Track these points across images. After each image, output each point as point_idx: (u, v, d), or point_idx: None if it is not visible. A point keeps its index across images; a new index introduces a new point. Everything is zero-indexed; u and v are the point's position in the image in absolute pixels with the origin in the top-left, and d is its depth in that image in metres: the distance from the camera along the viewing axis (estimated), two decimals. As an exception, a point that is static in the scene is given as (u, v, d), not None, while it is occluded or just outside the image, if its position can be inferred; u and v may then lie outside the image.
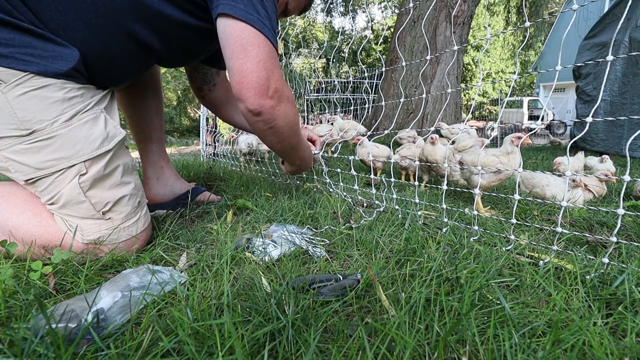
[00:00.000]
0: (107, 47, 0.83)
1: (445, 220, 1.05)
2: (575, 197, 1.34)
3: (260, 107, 0.89)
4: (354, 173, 1.35)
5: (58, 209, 0.80)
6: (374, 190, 1.33)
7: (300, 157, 1.23)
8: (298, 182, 1.68)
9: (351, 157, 1.39)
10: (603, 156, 1.93)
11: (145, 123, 1.31)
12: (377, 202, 1.30)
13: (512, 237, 0.88)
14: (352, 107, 6.13)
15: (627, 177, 0.70)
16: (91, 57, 0.81)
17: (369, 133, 1.55)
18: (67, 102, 0.76)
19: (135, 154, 1.59)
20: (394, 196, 1.24)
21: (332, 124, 2.68)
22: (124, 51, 0.86)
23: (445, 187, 1.03)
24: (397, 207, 1.19)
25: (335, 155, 1.64)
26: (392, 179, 1.26)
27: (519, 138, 1.27)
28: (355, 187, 1.37)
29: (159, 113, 1.34)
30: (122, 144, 0.87)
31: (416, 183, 1.18)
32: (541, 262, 0.79)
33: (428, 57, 1.13)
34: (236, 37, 0.83)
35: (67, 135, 0.76)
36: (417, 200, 1.14)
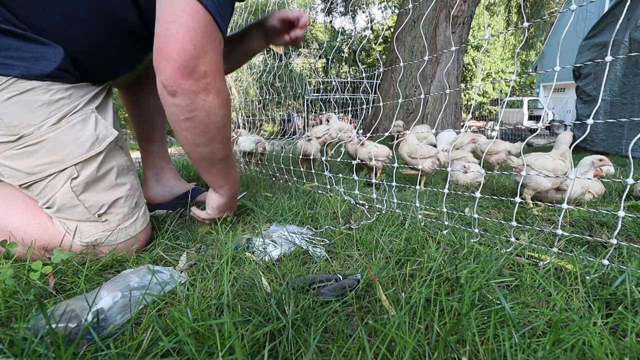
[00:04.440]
0: (95, 39, 0.79)
1: (446, 223, 1.05)
2: (587, 186, 1.31)
3: (176, 86, 0.73)
4: (356, 178, 1.35)
5: (54, 212, 0.79)
6: (374, 193, 1.33)
7: (230, 179, 0.97)
8: (297, 180, 1.68)
9: (354, 162, 1.39)
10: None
11: (146, 122, 1.30)
12: (378, 205, 1.30)
13: (513, 239, 0.88)
14: (351, 108, 6.14)
15: (630, 180, 0.69)
16: (80, 52, 0.78)
17: (368, 135, 1.55)
18: (54, 104, 0.74)
19: (136, 154, 1.59)
20: (395, 200, 1.24)
21: (327, 121, 2.66)
22: (113, 42, 0.83)
23: (446, 190, 1.03)
24: (398, 210, 1.19)
25: (339, 160, 1.64)
26: (394, 183, 1.26)
27: (601, 160, 1.27)
28: (356, 191, 1.37)
29: (161, 113, 1.33)
30: (116, 144, 0.84)
31: (418, 187, 1.18)
32: (540, 262, 0.79)
33: (426, 57, 1.13)
34: None
35: (55, 139, 0.74)
36: (417, 204, 1.14)
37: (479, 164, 1.80)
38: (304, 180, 1.72)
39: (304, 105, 7.76)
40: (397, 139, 2.12)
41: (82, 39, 0.78)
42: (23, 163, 0.74)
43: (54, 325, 0.50)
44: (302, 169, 1.80)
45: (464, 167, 1.75)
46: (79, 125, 0.77)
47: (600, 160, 1.26)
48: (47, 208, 0.79)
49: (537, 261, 0.81)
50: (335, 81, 7.26)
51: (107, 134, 0.82)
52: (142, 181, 1.28)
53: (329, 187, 1.51)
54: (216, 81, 0.78)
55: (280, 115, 8.03)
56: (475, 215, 0.98)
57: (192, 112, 0.77)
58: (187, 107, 0.77)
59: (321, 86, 8.30)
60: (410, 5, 1.16)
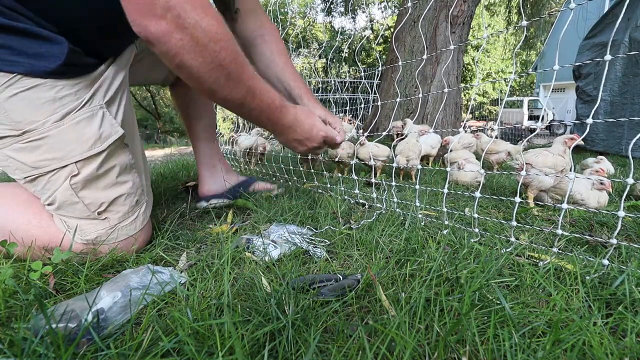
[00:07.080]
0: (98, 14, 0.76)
1: (446, 223, 1.05)
2: (601, 199, 1.30)
3: (145, 32, 0.64)
4: (356, 178, 1.35)
5: (55, 209, 0.80)
6: (374, 192, 1.32)
7: (274, 120, 0.88)
8: (297, 180, 1.67)
9: (353, 162, 1.39)
10: (598, 157, 1.92)
11: (195, 124, 1.34)
12: (378, 205, 1.30)
13: (513, 239, 0.88)
14: (350, 108, 6.13)
15: (630, 180, 0.69)
16: (78, 18, 0.74)
17: (366, 134, 1.55)
18: (59, 101, 0.74)
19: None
20: (395, 200, 1.24)
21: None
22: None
23: (446, 190, 1.03)
24: (398, 210, 1.19)
25: (337, 159, 1.64)
26: (394, 183, 1.26)
27: (572, 140, 1.28)
28: (356, 191, 1.37)
29: (208, 113, 1.36)
30: (120, 143, 0.83)
31: (417, 187, 1.18)
32: (540, 262, 0.79)
33: (424, 57, 1.13)
34: None
35: (57, 135, 0.75)
36: (417, 204, 1.14)
37: (480, 164, 1.81)
38: (304, 180, 1.72)
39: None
40: (397, 138, 2.12)
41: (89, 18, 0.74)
42: (28, 157, 0.75)
43: (54, 325, 0.50)
44: (301, 169, 1.80)
45: (458, 164, 1.75)
46: (84, 123, 0.77)
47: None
48: (49, 205, 0.80)
49: (537, 261, 0.81)
50: (335, 81, 7.25)
51: (112, 132, 0.81)
52: (197, 178, 1.38)
53: (329, 186, 1.51)
54: (187, 10, 0.64)
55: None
56: (475, 215, 0.98)
57: (177, 57, 0.67)
58: (168, 54, 0.66)
59: (321, 86, 8.29)
60: (409, 4, 1.16)
